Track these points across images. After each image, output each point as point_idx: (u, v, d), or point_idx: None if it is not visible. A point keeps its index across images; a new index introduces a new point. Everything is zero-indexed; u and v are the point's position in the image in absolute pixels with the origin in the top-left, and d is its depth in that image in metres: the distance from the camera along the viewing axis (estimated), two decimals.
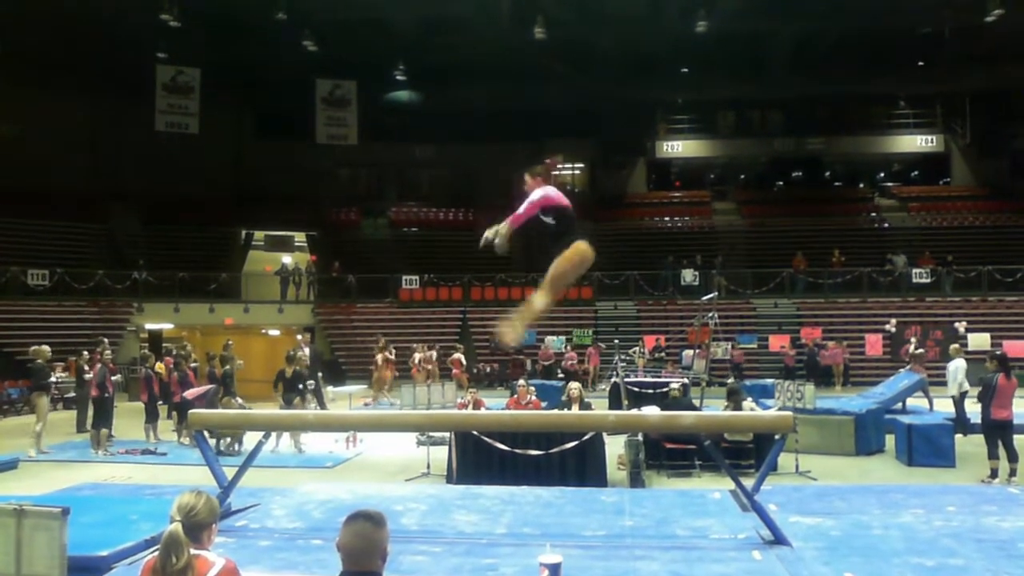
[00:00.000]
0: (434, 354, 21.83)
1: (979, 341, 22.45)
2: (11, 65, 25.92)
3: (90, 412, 13.53)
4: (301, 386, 13.00)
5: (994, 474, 9.93)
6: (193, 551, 2.84)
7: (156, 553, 2.90)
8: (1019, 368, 12.54)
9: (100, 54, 26.08)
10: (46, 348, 13.41)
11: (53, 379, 13.57)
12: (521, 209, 5.45)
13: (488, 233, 5.48)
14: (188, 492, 3.00)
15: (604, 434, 9.69)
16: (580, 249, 5.37)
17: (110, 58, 26.38)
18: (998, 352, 12.20)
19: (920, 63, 30.61)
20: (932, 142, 33.99)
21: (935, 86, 31.96)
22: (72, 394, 16.87)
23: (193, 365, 15.13)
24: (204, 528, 2.93)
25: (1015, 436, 10.08)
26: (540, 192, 5.51)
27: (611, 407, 14.28)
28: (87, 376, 14.17)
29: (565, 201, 5.55)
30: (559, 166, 5.64)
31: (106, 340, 15.13)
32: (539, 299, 5.51)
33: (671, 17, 25.89)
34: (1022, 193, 31.31)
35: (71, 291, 24.77)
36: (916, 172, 36.20)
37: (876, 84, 31.39)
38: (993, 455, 9.94)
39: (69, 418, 15.34)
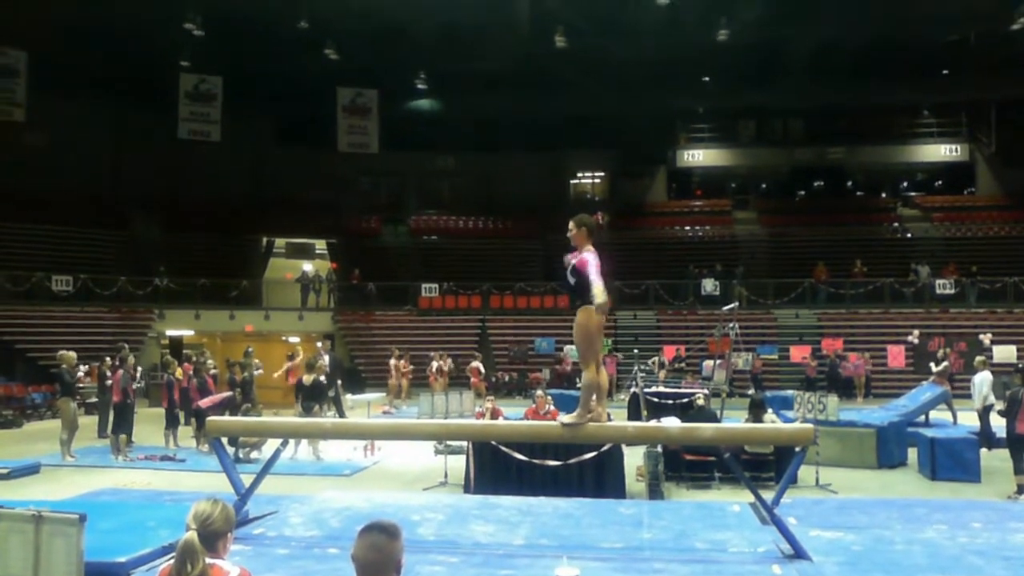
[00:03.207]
0: (449, 362, 21.84)
1: (1005, 353, 22.10)
2: (35, 73, 26.29)
3: (111, 417, 13.63)
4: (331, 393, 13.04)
5: (1021, 490, 9.74)
6: (208, 560, 2.84)
7: (171, 561, 2.89)
8: None
9: (124, 62, 26.36)
10: (72, 354, 13.52)
11: (79, 385, 13.68)
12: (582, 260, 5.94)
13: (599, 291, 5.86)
14: (204, 500, 2.99)
15: (623, 445, 9.63)
16: (584, 318, 5.92)
17: (133, 66, 26.66)
18: (1021, 366, 12.02)
19: (945, 72, 30.33)
20: (957, 151, 33.58)
21: (960, 95, 31.60)
22: (94, 399, 17.01)
23: (213, 372, 15.20)
24: (219, 537, 2.92)
25: None
26: (584, 258, 5.91)
27: (630, 418, 14.19)
28: (108, 382, 14.27)
29: (593, 274, 5.90)
30: (601, 224, 6.06)
31: (127, 346, 15.22)
32: (585, 376, 6.16)
33: (692, 26, 25.82)
34: None
35: (94, 297, 24.99)
36: (940, 182, 35.76)
37: (900, 93, 31.10)
38: (1019, 470, 9.76)
39: (90, 423, 15.46)
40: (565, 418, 6.41)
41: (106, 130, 29.61)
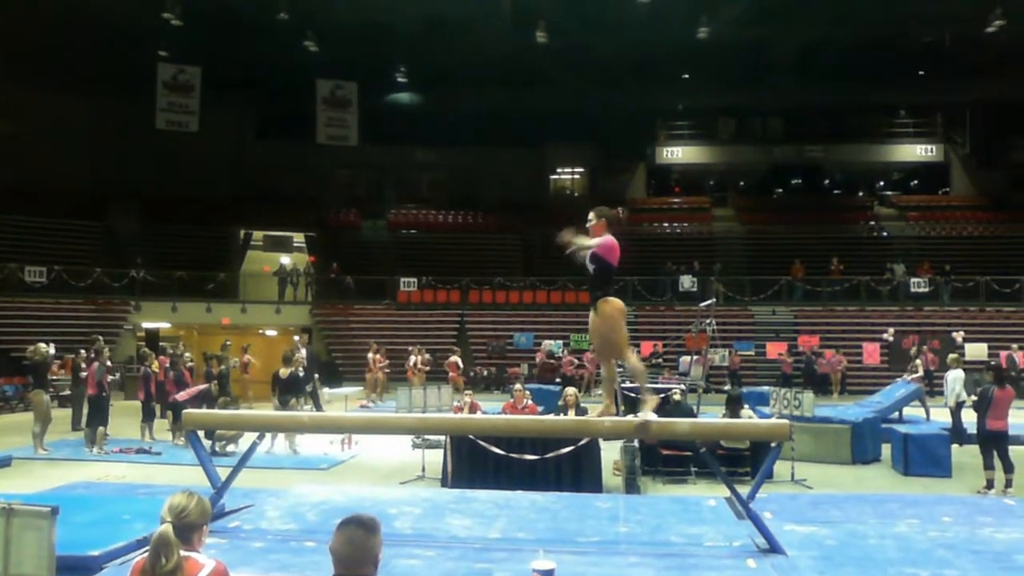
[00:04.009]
0: (427, 356, 21.80)
1: (976, 351, 22.41)
2: (11, 63, 25.89)
3: (85, 410, 13.49)
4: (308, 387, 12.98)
5: (990, 485, 9.90)
6: (183, 552, 2.83)
7: (146, 554, 2.88)
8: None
9: (101, 52, 26.06)
10: (43, 346, 13.37)
11: (52, 377, 13.53)
12: (594, 242, 5.85)
13: (574, 239, 5.88)
14: (180, 493, 2.98)
15: (600, 440, 9.67)
16: (610, 308, 5.88)
17: (111, 56, 26.35)
18: (993, 363, 12.19)
19: (921, 72, 30.65)
20: (932, 151, 33.99)
21: (936, 96, 32.00)
22: (67, 392, 16.82)
23: (189, 365, 15.09)
24: (195, 530, 2.91)
25: (1011, 447, 10.06)
26: (605, 242, 5.86)
27: None
28: (83, 374, 14.13)
29: (614, 260, 5.93)
30: (621, 217, 6.02)
31: (101, 338, 15.07)
32: (604, 371, 6.16)
33: (672, 23, 25.89)
34: (1021, 204, 31.30)
35: (69, 289, 24.71)
36: (915, 181, 36.19)
37: (877, 93, 31.42)
38: (989, 466, 9.91)
39: (64, 416, 15.29)
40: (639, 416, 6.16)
41: (83, 121, 29.19)
